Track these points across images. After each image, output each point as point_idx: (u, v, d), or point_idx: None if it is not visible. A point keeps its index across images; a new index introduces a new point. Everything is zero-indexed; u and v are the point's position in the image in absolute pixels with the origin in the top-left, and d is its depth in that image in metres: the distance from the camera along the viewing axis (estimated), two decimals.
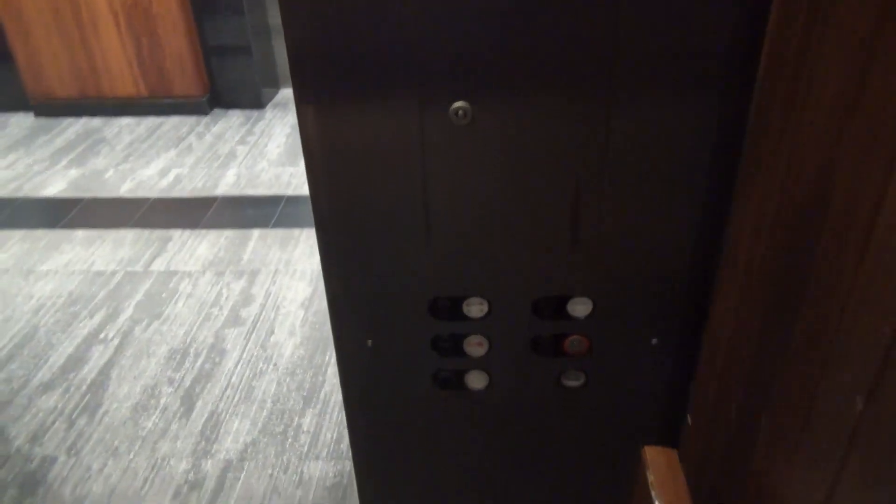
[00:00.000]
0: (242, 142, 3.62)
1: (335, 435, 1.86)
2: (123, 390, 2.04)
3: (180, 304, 2.40)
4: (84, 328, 2.29)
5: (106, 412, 1.96)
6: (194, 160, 3.43)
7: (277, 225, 2.86)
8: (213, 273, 2.56)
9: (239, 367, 2.11)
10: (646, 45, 0.85)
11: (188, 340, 2.22)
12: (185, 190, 3.17)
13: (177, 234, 2.81)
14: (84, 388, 2.05)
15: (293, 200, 3.05)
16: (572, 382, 1.14)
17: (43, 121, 3.93)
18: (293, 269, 2.57)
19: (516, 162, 0.93)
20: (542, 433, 1.20)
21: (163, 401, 1.99)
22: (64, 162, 3.46)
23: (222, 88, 3.95)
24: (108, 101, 3.91)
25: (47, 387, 2.05)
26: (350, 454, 1.29)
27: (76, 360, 2.15)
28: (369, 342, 1.11)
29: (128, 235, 2.82)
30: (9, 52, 3.79)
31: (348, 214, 0.99)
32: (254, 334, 2.24)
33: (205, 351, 2.18)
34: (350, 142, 0.93)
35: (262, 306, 2.37)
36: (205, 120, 3.88)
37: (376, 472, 1.28)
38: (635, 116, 0.89)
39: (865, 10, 0.60)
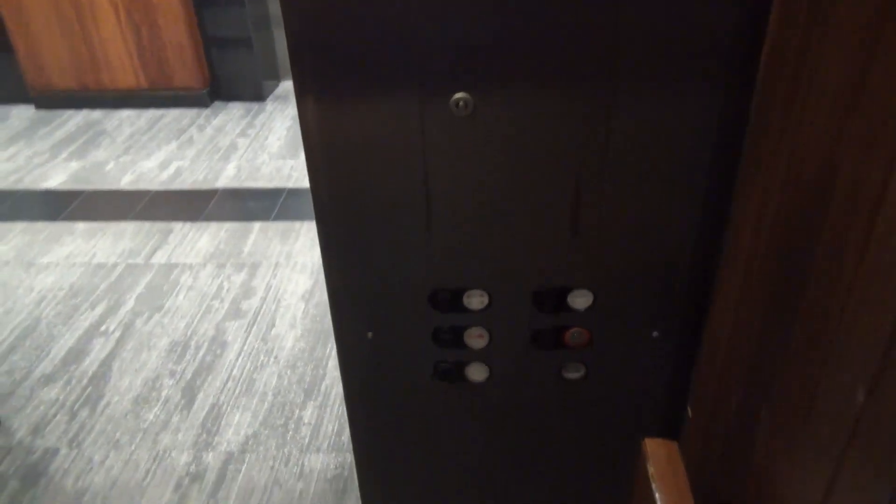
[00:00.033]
0: (243, 134, 3.61)
1: (336, 427, 1.86)
2: (125, 382, 2.04)
3: (181, 296, 2.40)
4: (85, 320, 2.30)
5: (107, 404, 1.97)
6: (195, 153, 3.43)
7: (278, 217, 2.86)
8: (214, 266, 2.56)
9: (240, 359, 2.11)
10: (647, 40, 0.85)
11: (189, 333, 2.23)
12: (186, 182, 3.17)
13: (178, 227, 2.81)
14: (85, 380, 2.05)
15: (294, 193, 3.05)
16: (573, 375, 1.14)
17: (43, 113, 3.92)
18: (294, 261, 2.57)
19: (517, 153, 0.93)
20: (543, 425, 1.20)
21: (164, 393, 2.00)
22: (64, 154, 3.46)
23: (223, 80, 3.94)
24: (108, 93, 3.90)
25: (49, 379, 2.06)
26: (351, 446, 1.29)
27: (77, 353, 2.16)
28: (370, 334, 1.11)
29: (128, 228, 2.82)
30: (9, 43, 3.78)
31: (349, 206, 0.99)
32: (255, 327, 2.24)
33: (206, 343, 2.18)
34: (350, 134, 0.93)
35: (263, 299, 2.37)
36: (205, 112, 3.87)
37: (377, 464, 1.29)
38: (636, 110, 0.89)
39: (865, 9, 0.59)
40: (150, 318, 2.30)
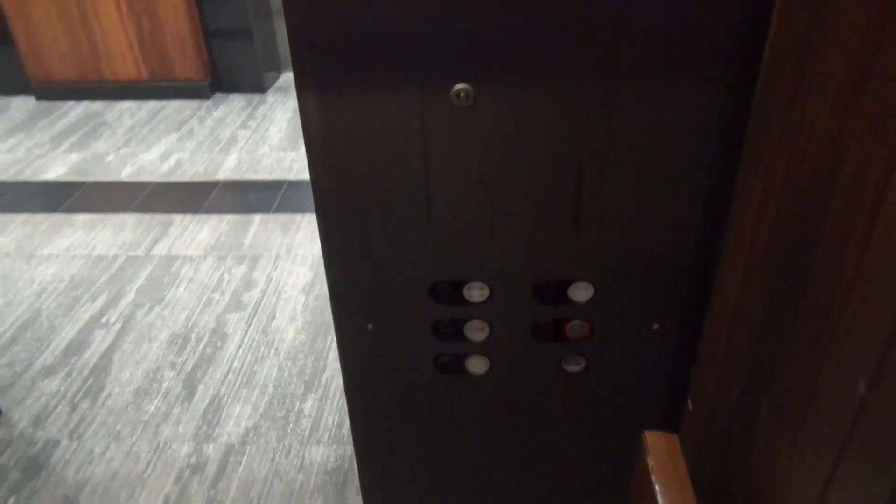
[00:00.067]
0: (244, 126, 3.61)
1: (336, 419, 1.86)
2: (125, 374, 2.04)
3: (182, 288, 2.40)
4: (86, 312, 2.30)
5: (108, 396, 1.97)
6: (195, 144, 3.42)
7: (279, 210, 2.86)
8: (214, 258, 2.56)
9: (240, 351, 2.11)
10: (650, 33, 0.84)
11: (190, 325, 2.23)
12: (187, 174, 3.16)
13: (178, 219, 2.81)
14: (86, 371, 2.05)
15: (295, 185, 3.05)
16: (573, 367, 1.14)
17: (44, 104, 3.92)
18: (294, 253, 2.57)
19: (518, 145, 0.93)
20: (543, 418, 1.20)
21: (165, 385, 2.00)
22: (65, 146, 3.45)
23: (223, 72, 3.93)
24: (108, 85, 3.89)
25: (50, 370, 2.06)
26: (351, 438, 1.30)
27: (78, 344, 2.16)
28: (370, 327, 1.11)
29: (129, 220, 2.82)
30: (9, 34, 3.77)
31: (349, 199, 0.99)
32: (255, 319, 2.24)
33: (206, 335, 2.18)
34: (351, 125, 0.93)
35: (264, 291, 2.37)
36: (206, 104, 3.86)
37: (377, 456, 1.29)
38: (639, 99, 0.88)
39: (866, 9, 0.59)
40: (150, 310, 2.30)
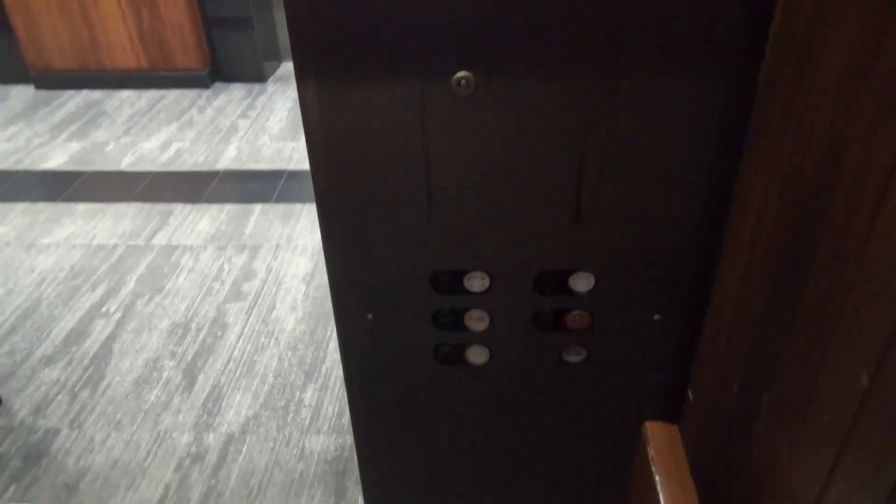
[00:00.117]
0: (244, 116, 3.59)
1: (336, 409, 1.86)
2: (125, 364, 2.04)
3: (182, 278, 2.40)
4: (86, 302, 2.30)
5: (108, 385, 1.97)
6: (195, 134, 3.41)
7: (279, 200, 2.85)
8: (214, 247, 2.56)
9: (240, 341, 2.11)
10: (653, 21, 0.83)
11: (190, 315, 2.23)
12: (187, 164, 3.16)
13: (178, 209, 2.80)
14: (86, 361, 2.05)
15: (295, 175, 3.04)
16: (573, 358, 1.14)
17: (43, 93, 3.90)
18: (294, 244, 2.56)
19: (519, 134, 0.92)
20: (543, 408, 1.20)
21: (165, 374, 2.00)
22: (65, 135, 3.44)
23: (223, 62, 3.91)
24: (108, 74, 3.88)
25: (50, 359, 2.06)
26: (351, 428, 1.30)
27: (78, 334, 2.16)
28: (370, 317, 1.10)
29: (129, 209, 2.81)
30: (8, 23, 3.75)
31: (349, 188, 0.98)
32: (255, 309, 2.24)
33: (206, 325, 2.18)
34: (351, 114, 0.92)
35: (264, 281, 2.37)
36: (206, 93, 3.85)
37: (377, 446, 1.29)
38: (641, 88, 0.88)
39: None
40: (150, 299, 2.30)
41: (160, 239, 2.62)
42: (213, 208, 2.81)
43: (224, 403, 1.90)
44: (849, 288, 0.61)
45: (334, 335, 2.00)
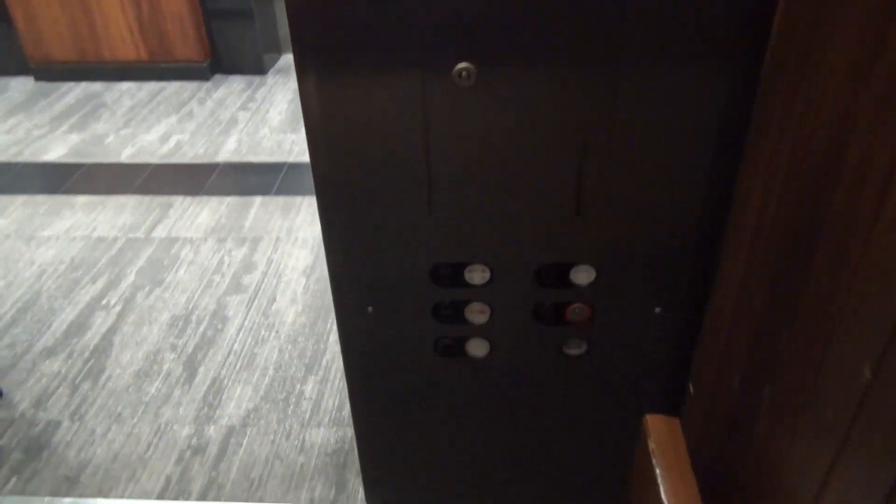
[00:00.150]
0: (244, 108, 3.58)
1: (337, 402, 1.86)
2: (126, 356, 2.04)
3: (182, 270, 2.40)
4: (86, 294, 2.30)
5: (109, 378, 1.97)
6: (195, 126, 3.40)
7: (279, 192, 2.85)
8: (214, 240, 2.55)
9: (241, 334, 2.11)
10: (655, 11, 0.83)
11: (190, 307, 2.22)
12: (187, 156, 3.15)
13: (178, 201, 2.80)
14: (87, 353, 2.05)
15: (295, 167, 3.03)
16: (574, 351, 1.14)
17: (43, 85, 3.89)
18: (295, 236, 2.56)
19: (520, 126, 0.91)
20: (544, 401, 1.20)
21: (165, 367, 2.00)
22: (64, 127, 3.43)
23: (223, 53, 3.90)
24: (108, 66, 3.86)
25: (50, 352, 2.06)
26: (351, 421, 1.30)
27: (79, 326, 2.16)
28: (370, 309, 1.10)
29: (129, 201, 2.81)
30: (7, 14, 3.74)
31: (350, 181, 0.98)
32: (255, 301, 2.24)
33: (207, 318, 2.18)
34: (351, 106, 0.92)
35: (264, 274, 2.37)
36: (206, 85, 3.84)
37: (377, 438, 1.29)
38: (643, 80, 0.87)
39: None
40: (150, 292, 2.30)
41: (160, 231, 2.61)
42: (213, 201, 2.80)
43: (225, 396, 1.90)
44: (851, 280, 0.61)
45: (334, 328, 2.00)
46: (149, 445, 1.76)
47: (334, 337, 2.07)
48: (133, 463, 1.72)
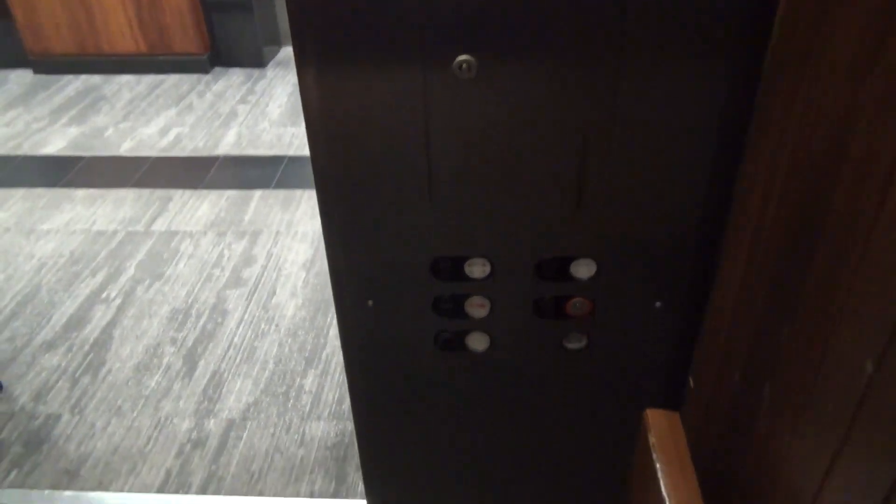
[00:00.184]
0: (243, 101, 3.58)
1: (337, 395, 1.87)
2: (126, 350, 2.04)
3: (182, 264, 2.40)
4: (86, 287, 2.29)
5: (109, 371, 1.97)
6: (195, 119, 3.40)
7: (279, 185, 2.84)
8: (214, 233, 2.55)
9: (241, 327, 2.11)
10: (658, 4, 0.82)
11: (190, 301, 2.22)
12: (186, 149, 3.14)
13: (178, 194, 2.80)
14: (87, 347, 2.05)
15: (295, 161, 3.03)
16: (574, 345, 1.13)
17: (42, 77, 3.88)
18: (295, 230, 2.56)
19: (521, 119, 0.91)
20: (544, 395, 1.20)
21: (165, 360, 2.00)
22: (64, 119, 3.43)
23: (223, 46, 3.89)
24: (107, 58, 3.85)
25: (50, 345, 2.06)
26: (351, 415, 1.30)
27: (78, 320, 2.16)
28: (370, 303, 1.10)
29: (129, 195, 2.80)
30: (7, 7, 3.72)
31: (349, 174, 0.98)
32: (255, 295, 2.24)
33: (206, 311, 2.18)
34: (351, 99, 0.91)
35: (264, 267, 2.37)
36: (205, 78, 3.83)
37: (377, 432, 1.29)
38: (644, 74, 0.87)
39: None
40: (150, 285, 2.30)
41: (160, 225, 2.61)
42: (213, 194, 2.80)
43: (224, 389, 1.90)
44: (849, 283, 0.61)
45: (334, 321, 1.99)
46: (149, 439, 1.77)
47: (334, 331, 2.07)
48: (133, 456, 1.72)
